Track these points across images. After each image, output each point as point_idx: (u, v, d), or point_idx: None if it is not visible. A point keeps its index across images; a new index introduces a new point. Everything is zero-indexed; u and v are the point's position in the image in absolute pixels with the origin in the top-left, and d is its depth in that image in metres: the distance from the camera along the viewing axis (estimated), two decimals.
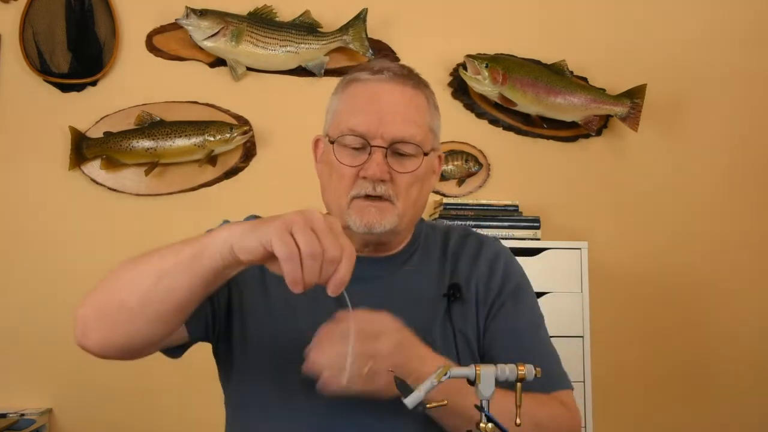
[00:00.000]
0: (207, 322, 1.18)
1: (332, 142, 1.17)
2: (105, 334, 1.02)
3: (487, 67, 2.62)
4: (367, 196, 1.15)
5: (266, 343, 1.18)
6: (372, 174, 1.14)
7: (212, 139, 2.53)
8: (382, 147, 1.14)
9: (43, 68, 2.54)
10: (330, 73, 2.66)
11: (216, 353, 1.26)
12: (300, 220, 0.90)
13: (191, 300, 1.00)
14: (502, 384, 0.96)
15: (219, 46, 2.57)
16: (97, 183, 2.55)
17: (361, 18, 2.64)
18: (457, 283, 1.22)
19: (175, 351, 1.17)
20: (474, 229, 1.35)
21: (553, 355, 1.24)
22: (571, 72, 2.76)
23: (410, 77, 1.20)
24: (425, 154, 1.19)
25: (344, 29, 2.65)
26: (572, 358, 2.38)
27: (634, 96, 2.75)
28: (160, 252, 1.01)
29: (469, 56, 2.64)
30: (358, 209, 1.16)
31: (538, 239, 2.52)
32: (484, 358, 1.21)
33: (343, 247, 0.90)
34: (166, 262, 0.98)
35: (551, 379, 1.19)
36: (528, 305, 1.27)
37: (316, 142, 1.27)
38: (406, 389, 0.94)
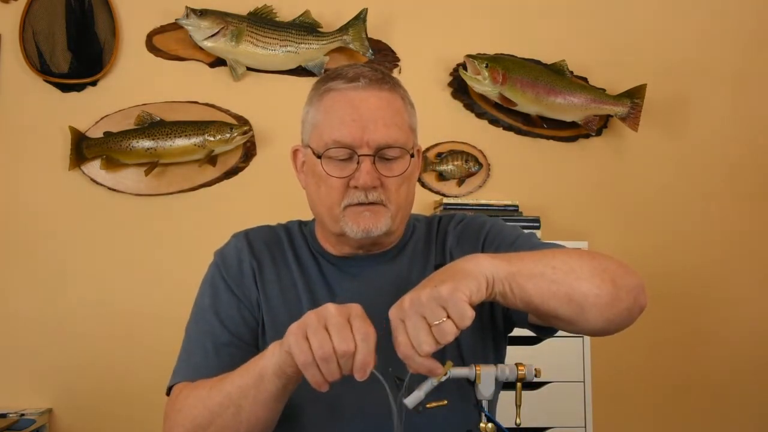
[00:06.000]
0: None
1: (319, 157, 1.18)
2: None
3: (487, 67, 2.62)
4: (360, 203, 1.17)
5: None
6: (363, 183, 1.15)
7: (212, 139, 2.53)
8: (370, 155, 1.15)
9: (43, 68, 2.54)
10: None
11: None
12: (314, 320, 0.93)
13: (275, 414, 1.07)
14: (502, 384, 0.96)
15: (219, 46, 2.57)
16: (97, 183, 2.55)
17: (361, 18, 2.64)
18: (442, 263, 1.23)
19: None
20: (448, 213, 1.36)
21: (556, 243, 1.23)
22: (571, 72, 2.76)
23: (385, 81, 1.19)
24: (411, 156, 1.20)
25: (344, 29, 2.65)
26: (572, 358, 2.38)
27: (634, 96, 2.75)
28: (228, 385, 1.07)
29: (469, 56, 2.64)
30: (353, 216, 1.17)
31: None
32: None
33: (357, 333, 0.92)
34: (235, 395, 1.05)
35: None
36: (507, 229, 1.27)
37: (295, 152, 1.28)
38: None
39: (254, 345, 1.20)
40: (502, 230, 1.26)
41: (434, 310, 0.91)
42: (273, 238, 1.30)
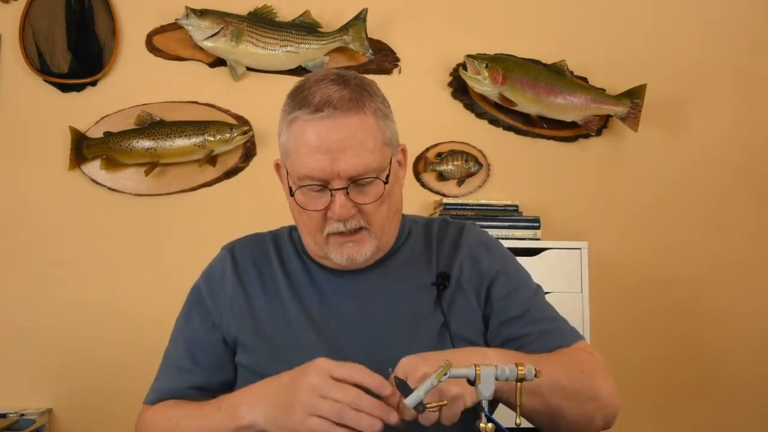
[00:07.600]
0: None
1: (292, 195, 1.18)
2: None
3: (487, 67, 2.62)
4: (341, 233, 1.17)
5: (263, 370, 1.20)
6: (339, 216, 1.15)
7: (212, 139, 2.53)
8: (342, 188, 1.14)
9: (43, 68, 2.54)
10: None
11: None
12: (310, 396, 0.97)
13: None
14: (502, 384, 0.96)
15: (219, 46, 2.57)
16: (97, 183, 2.55)
17: (361, 18, 2.64)
18: (445, 272, 1.24)
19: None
20: (453, 219, 1.36)
21: (560, 317, 1.27)
22: (571, 72, 2.76)
23: (353, 101, 1.15)
24: (385, 183, 1.17)
25: (344, 29, 2.65)
26: None
27: (634, 96, 2.75)
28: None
29: (469, 56, 2.64)
30: (336, 245, 1.19)
31: (538, 239, 2.52)
32: (494, 342, 1.23)
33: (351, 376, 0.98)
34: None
35: (568, 335, 1.23)
36: (520, 280, 1.28)
37: (277, 166, 1.26)
38: (405, 389, 0.94)
39: (217, 380, 1.26)
40: (517, 288, 1.26)
41: (433, 396, 0.95)
42: (259, 249, 1.30)
